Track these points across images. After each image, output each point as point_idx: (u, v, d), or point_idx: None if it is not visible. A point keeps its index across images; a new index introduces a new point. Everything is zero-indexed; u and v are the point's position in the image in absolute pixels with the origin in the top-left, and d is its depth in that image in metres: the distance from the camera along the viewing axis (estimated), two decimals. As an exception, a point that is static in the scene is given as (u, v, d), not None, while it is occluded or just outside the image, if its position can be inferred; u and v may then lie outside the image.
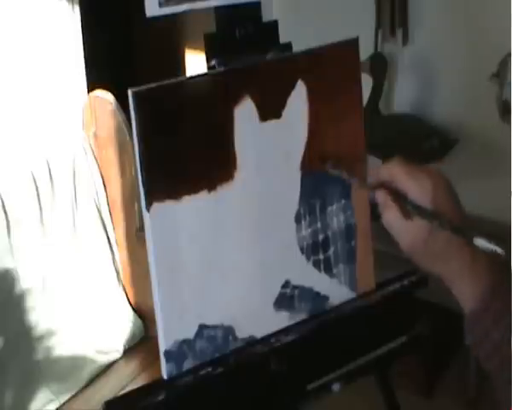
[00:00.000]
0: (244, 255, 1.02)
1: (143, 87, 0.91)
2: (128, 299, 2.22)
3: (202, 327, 1.00)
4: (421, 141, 2.15)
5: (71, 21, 2.03)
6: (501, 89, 1.96)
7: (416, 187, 0.83)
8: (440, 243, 0.83)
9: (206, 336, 1.00)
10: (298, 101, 1.03)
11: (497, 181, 2.11)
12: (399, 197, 0.85)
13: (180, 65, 2.86)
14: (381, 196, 0.86)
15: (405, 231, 0.84)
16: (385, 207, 0.86)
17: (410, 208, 0.83)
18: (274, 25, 1.06)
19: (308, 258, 1.08)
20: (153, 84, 0.92)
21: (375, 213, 0.94)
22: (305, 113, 1.04)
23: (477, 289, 0.82)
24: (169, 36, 2.82)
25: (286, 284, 1.07)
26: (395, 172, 0.86)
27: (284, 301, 1.07)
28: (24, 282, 1.93)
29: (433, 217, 0.82)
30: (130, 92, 0.90)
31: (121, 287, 2.21)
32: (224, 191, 0.99)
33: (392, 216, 0.85)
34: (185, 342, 0.99)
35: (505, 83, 1.95)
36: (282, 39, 1.06)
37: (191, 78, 0.97)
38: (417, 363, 2.06)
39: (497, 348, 0.80)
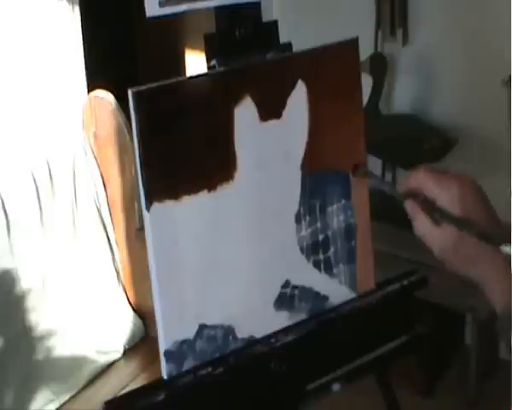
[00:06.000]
0: (244, 255, 1.02)
1: (143, 87, 0.91)
2: (128, 299, 2.22)
3: (202, 327, 1.00)
4: (421, 141, 2.15)
5: (71, 21, 2.03)
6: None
7: (445, 194, 0.85)
8: (470, 247, 0.84)
9: (206, 336, 1.00)
10: (298, 101, 1.03)
11: (497, 181, 2.10)
12: (428, 205, 0.86)
13: (180, 65, 2.86)
14: (410, 206, 0.88)
15: (435, 237, 0.86)
16: (414, 216, 0.87)
17: (437, 216, 0.85)
18: (274, 25, 1.05)
19: (308, 258, 1.08)
20: (153, 85, 0.92)
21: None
22: (305, 113, 1.04)
23: None
24: (169, 36, 2.81)
25: (286, 284, 1.07)
26: (422, 180, 0.87)
27: (284, 301, 1.07)
28: (24, 282, 1.93)
29: (459, 224, 0.83)
30: (130, 92, 0.90)
31: (121, 287, 2.21)
32: (224, 191, 0.98)
33: (421, 224, 0.87)
34: (185, 342, 0.99)
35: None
36: (282, 39, 1.05)
37: (191, 78, 0.97)
38: (417, 363, 2.06)
39: None
